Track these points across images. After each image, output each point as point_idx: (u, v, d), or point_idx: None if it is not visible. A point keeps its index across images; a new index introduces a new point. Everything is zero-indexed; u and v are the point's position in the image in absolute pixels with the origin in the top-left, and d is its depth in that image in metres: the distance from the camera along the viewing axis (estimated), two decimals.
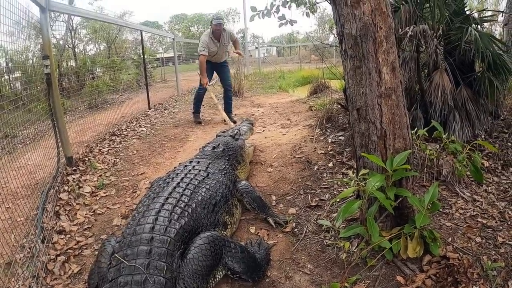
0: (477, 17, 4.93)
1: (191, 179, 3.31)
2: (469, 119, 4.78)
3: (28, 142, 4.73)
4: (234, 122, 7.33)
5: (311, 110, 7.99)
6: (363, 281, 2.73)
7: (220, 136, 4.88)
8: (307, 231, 3.45)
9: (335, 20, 2.72)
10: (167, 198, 2.94)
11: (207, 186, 3.31)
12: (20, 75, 5.55)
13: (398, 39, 4.79)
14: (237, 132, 4.85)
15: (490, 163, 4.55)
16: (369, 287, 2.69)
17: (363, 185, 2.57)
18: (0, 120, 3.63)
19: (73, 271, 3.14)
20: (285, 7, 5.19)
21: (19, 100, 4.69)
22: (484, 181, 4.17)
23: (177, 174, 3.47)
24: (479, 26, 4.83)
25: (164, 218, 2.67)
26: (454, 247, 3.01)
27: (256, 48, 33.78)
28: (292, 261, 3.08)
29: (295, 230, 3.49)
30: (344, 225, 3.34)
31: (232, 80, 11.38)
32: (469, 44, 4.61)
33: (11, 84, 5.64)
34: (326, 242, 3.24)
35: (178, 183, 3.22)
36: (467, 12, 5.00)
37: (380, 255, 2.78)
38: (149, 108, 9.70)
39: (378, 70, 2.56)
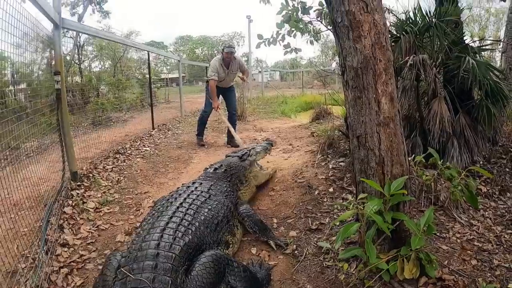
0: (475, 46, 5.04)
1: (194, 200, 3.42)
2: (468, 146, 4.87)
3: (32, 155, 4.83)
4: (237, 146, 7.43)
5: (313, 136, 8.09)
6: None
7: (229, 156, 5.00)
8: (307, 253, 3.52)
9: (338, 52, 2.88)
10: (171, 217, 3.03)
11: (209, 207, 3.42)
12: (25, 87, 5.66)
13: (399, 68, 4.96)
14: (246, 153, 4.94)
15: (488, 188, 4.61)
16: None
17: (362, 208, 2.67)
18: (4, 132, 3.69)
19: (75, 283, 3.21)
20: (290, 36, 5.37)
21: (23, 113, 4.79)
22: (481, 206, 4.25)
23: (180, 194, 3.59)
24: (477, 55, 4.96)
25: (169, 235, 2.77)
26: (450, 269, 3.08)
27: (260, 72, 34.15)
28: (292, 282, 3.15)
29: (296, 252, 3.56)
30: (343, 248, 3.41)
31: None
32: (467, 73, 4.71)
33: (16, 97, 5.74)
34: (326, 264, 3.31)
35: (181, 203, 3.32)
36: (466, 41, 5.15)
37: (377, 276, 2.85)
38: (153, 128, 9.83)
39: (378, 100, 2.69)
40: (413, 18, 4.99)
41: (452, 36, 4.91)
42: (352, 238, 3.44)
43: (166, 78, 22.95)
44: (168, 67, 36.59)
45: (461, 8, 5.32)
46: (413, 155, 3.61)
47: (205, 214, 3.28)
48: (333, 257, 3.36)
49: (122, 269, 2.45)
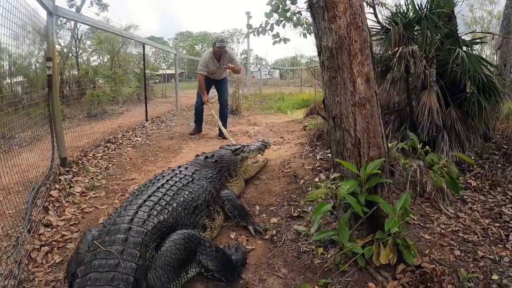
0: (467, 39, 5.02)
1: (176, 182, 3.45)
2: (459, 140, 4.84)
3: (24, 144, 4.86)
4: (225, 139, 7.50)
5: (305, 129, 8.10)
6: (334, 286, 2.79)
7: (222, 148, 5.01)
8: (286, 239, 3.52)
9: (315, 33, 2.88)
10: (150, 196, 3.07)
11: (190, 190, 3.45)
12: (22, 79, 5.71)
13: (388, 59, 4.95)
14: (239, 148, 4.94)
15: (478, 183, 4.61)
16: None
17: (334, 188, 2.66)
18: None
19: (55, 261, 3.24)
20: (279, 26, 5.38)
21: (19, 104, 4.83)
22: (470, 200, 4.25)
23: (163, 176, 3.63)
24: (469, 48, 4.95)
25: (144, 212, 2.80)
26: (431, 258, 3.06)
27: (259, 69, 34.14)
28: (267, 266, 3.14)
29: (274, 238, 3.56)
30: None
31: (230, 99, 11.61)
32: (458, 66, 4.72)
33: (12, 88, 5.81)
34: (303, 249, 3.30)
35: (163, 184, 3.36)
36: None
37: (352, 261, 2.85)
38: (147, 120, 9.87)
39: (353, 80, 2.69)
40: (405, 10, 4.99)
41: (445, 30, 4.89)
42: (332, 226, 3.43)
43: (165, 74, 22.94)
44: (167, 63, 36.59)
45: (454, 1, 5.27)
46: (396, 142, 3.58)
47: (185, 196, 3.30)
48: (310, 242, 3.35)
49: (95, 242, 2.48)
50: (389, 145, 3.12)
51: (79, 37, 16.85)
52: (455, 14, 5.32)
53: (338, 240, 2.90)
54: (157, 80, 20.12)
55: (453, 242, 3.39)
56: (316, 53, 3.02)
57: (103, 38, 17.01)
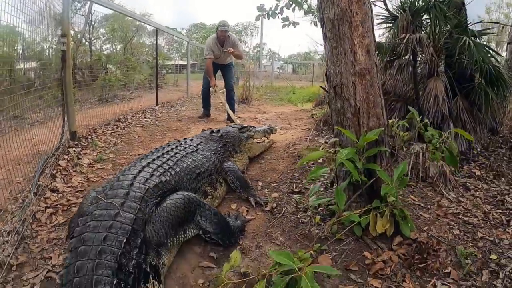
0: (475, 30, 5.01)
1: (180, 150, 3.59)
2: (465, 130, 4.69)
3: (35, 124, 5.02)
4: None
5: (313, 117, 8.12)
6: (330, 253, 2.85)
7: (229, 126, 5.11)
8: (286, 211, 3.58)
9: (318, 7, 2.94)
10: (154, 160, 3.19)
11: (194, 158, 3.57)
12: (35, 65, 5.90)
13: (395, 46, 4.97)
14: (246, 127, 5.05)
15: (482, 172, 4.61)
16: (335, 259, 2.80)
17: (331, 151, 2.71)
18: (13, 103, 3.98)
19: (58, 221, 3.36)
20: (289, 9, 5.42)
21: (32, 87, 5.02)
22: (473, 187, 4.26)
23: (169, 145, 3.77)
24: (477, 38, 4.92)
25: (147, 173, 2.91)
26: (428, 234, 3.10)
27: (271, 63, 34.08)
28: (265, 234, 3.22)
29: (274, 210, 3.63)
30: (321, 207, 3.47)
31: (241, 89, 11.65)
32: (466, 56, 4.73)
33: (26, 72, 6.00)
34: (301, 221, 3.37)
35: (168, 151, 3.49)
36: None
37: (349, 230, 2.90)
38: (157, 104, 10.00)
39: (353, 51, 2.74)
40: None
41: (455, 20, 4.91)
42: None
43: (177, 64, 23.05)
44: (180, 53, 36.66)
45: None
46: (397, 119, 3.60)
47: (188, 163, 3.41)
48: (309, 215, 3.40)
49: (98, 195, 2.58)
50: (390, 121, 3.16)
51: (93, 23, 17.00)
52: (465, 5, 5.34)
53: (335, 209, 2.94)
54: (170, 70, 20.22)
55: (452, 223, 3.41)
56: None
57: (117, 26, 17.15)
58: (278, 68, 39.66)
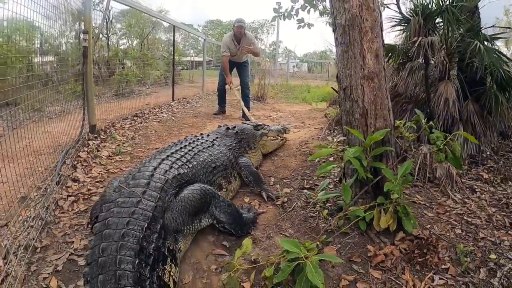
0: (487, 34, 5.06)
1: (197, 145, 3.81)
2: (475, 134, 4.87)
3: (53, 117, 5.24)
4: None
5: (326, 117, 8.16)
6: (335, 245, 3.01)
7: (244, 123, 5.30)
8: (296, 206, 3.75)
9: (331, 12, 3.11)
10: (172, 153, 3.41)
11: (210, 153, 3.77)
12: (53, 59, 6.10)
13: (407, 49, 5.06)
14: (261, 124, 5.21)
15: (490, 176, 4.65)
16: (340, 251, 2.96)
17: (339, 150, 2.87)
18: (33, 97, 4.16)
19: (80, 209, 3.59)
20: (304, 11, 5.57)
21: (50, 82, 5.16)
22: (479, 190, 4.32)
23: (186, 139, 4.00)
24: (489, 43, 4.99)
25: (166, 165, 3.14)
26: (431, 232, 3.22)
27: (287, 61, 34.12)
28: (276, 227, 3.40)
29: (285, 204, 3.80)
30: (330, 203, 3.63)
31: (256, 86, 11.80)
32: (477, 59, 4.76)
33: (43, 67, 6.21)
34: (310, 215, 3.54)
35: (185, 145, 3.71)
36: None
37: (354, 225, 3.06)
38: (173, 100, 10.25)
39: (363, 55, 2.89)
40: (427, 2, 5.06)
41: (467, 25, 4.97)
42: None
43: (193, 61, 23.29)
44: (196, 50, 36.92)
45: None
46: (405, 121, 3.73)
47: (204, 157, 3.63)
48: (318, 210, 3.56)
49: (120, 184, 2.82)
50: (398, 122, 3.29)
51: (110, 19, 17.27)
52: (478, 8, 5.39)
53: (343, 204, 3.10)
54: (185, 66, 20.45)
55: (455, 223, 3.51)
56: None
57: (134, 22, 17.37)
58: (293, 66, 39.66)
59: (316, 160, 4.83)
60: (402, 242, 3.00)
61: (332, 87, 4.53)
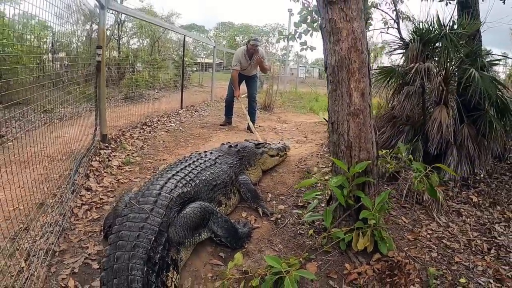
0: (485, 60, 5.21)
1: (200, 163, 4.18)
2: (469, 157, 5.09)
3: (64, 119, 5.35)
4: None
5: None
6: (317, 262, 3.36)
7: (247, 141, 5.63)
8: (288, 223, 4.10)
9: (323, 52, 3.44)
10: (177, 172, 3.81)
11: (211, 171, 4.15)
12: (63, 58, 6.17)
13: (404, 73, 5.28)
14: (263, 143, 5.54)
15: (479, 199, 4.83)
16: (321, 267, 3.30)
17: (323, 179, 3.22)
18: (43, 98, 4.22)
19: (93, 217, 3.97)
20: (307, 35, 5.88)
21: (60, 83, 5.07)
22: (466, 213, 4.52)
23: (191, 157, 4.37)
24: (485, 69, 5.11)
25: (172, 183, 3.54)
26: (406, 254, 3.50)
27: (297, 67, 34.13)
28: (267, 241, 3.75)
29: (278, 221, 4.15)
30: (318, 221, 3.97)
31: (264, 95, 12.07)
32: (474, 87, 4.89)
33: (54, 67, 6.19)
34: (299, 232, 3.89)
35: (190, 164, 4.09)
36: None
37: (336, 244, 3.41)
38: (181, 108, 10.63)
39: (349, 94, 3.21)
40: (428, 27, 5.23)
41: (467, 50, 5.15)
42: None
43: (203, 63, 23.48)
44: (206, 52, 37.12)
45: (481, 22, 5.54)
46: (392, 150, 4.03)
47: (206, 175, 4.01)
48: (307, 228, 3.92)
49: (131, 201, 3.21)
50: (383, 152, 3.63)
51: (122, 21, 17.58)
52: (480, 32, 5.59)
53: (325, 223, 3.43)
54: (195, 69, 20.69)
55: (433, 246, 3.75)
56: None
57: (145, 23, 17.55)
58: (304, 73, 39.61)
59: (312, 178, 5.11)
60: (377, 263, 3.28)
61: (324, 118, 4.79)
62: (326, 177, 3.43)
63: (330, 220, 3.19)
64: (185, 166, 3.98)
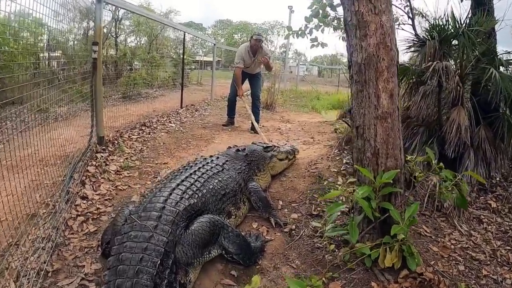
0: (503, 59, 5.00)
1: (207, 170, 3.79)
2: (485, 160, 4.87)
3: (60, 119, 5.12)
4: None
5: (336, 132, 8.15)
6: (340, 281, 3.03)
7: (254, 144, 5.27)
8: (303, 234, 3.77)
9: (347, 48, 3.11)
10: (182, 181, 3.42)
11: (220, 179, 3.77)
12: (59, 55, 5.96)
13: (421, 72, 5.02)
14: (271, 146, 5.19)
15: (498, 204, 4.65)
16: (345, 286, 2.98)
17: (350, 191, 2.89)
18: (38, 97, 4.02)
19: (89, 230, 3.60)
20: (318, 30, 5.57)
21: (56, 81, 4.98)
22: (486, 220, 4.32)
23: (196, 164, 3.97)
24: (504, 68, 4.96)
25: (177, 195, 3.16)
26: (434, 269, 3.21)
27: (297, 65, 34.00)
28: (283, 256, 3.42)
29: (293, 232, 3.82)
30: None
31: (266, 94, 11.72)
32: (492, 85, 4.71)
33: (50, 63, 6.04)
34: (317, 245, 3.55)
35: (195, 171, 3.70)
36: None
37: (360, 260, 3.07)
38: (181, 107, 10.24)
39: (377, 95, 2.90)
40: (444, 24, 5.01)
41: (483, 47, 4.91)
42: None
43: (201, 61, 23.23)
44: (205, 50, 36.91)
45: (495, 19, 5.28)
46: (415, 155, 3.74)
47: (214, 184, 3.64)
48: (325, 240, 3.58)
49: (132, 216, 2.85)
50: (409, 157, 3.31)
51: (120, 18, 17.25)
52: (495, 30, 5.34)
53: (349, 239, 3.11)
54: (193, 67, 20.39)
55: (459, 258, 3.52)
56: None
57: (143, 20, 17.27)
58: (304, 71, 39.51)
59: (324, 183, 4.84)
60: (406, 280, 2.99)
61: (345, 121, 4.55)
62: (350, 189, 3.08)
63: (356, 236, 2.86)
64: (190, 174, 3.61)
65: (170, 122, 8.42)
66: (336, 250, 3.35)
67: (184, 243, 2.81)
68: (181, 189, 3.26)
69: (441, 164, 3.08)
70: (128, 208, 3.19)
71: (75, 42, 6.73)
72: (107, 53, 13.10)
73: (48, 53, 5.57)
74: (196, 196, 3.30)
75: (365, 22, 2.84)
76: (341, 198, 4.26)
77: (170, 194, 3.15)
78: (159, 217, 2.81)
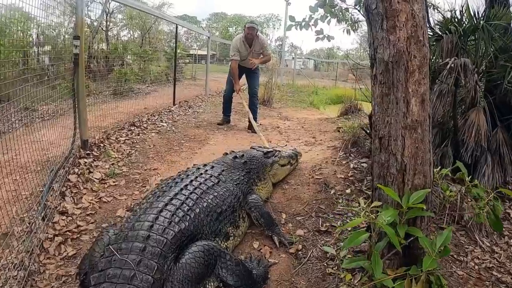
0: None
1: (200, 184, 3.31)
2: (502, 164, 4.51)
3: (46, 118, 4.79)
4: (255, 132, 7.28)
5: (339, 131, 7.72)
6: None
7: (253, 148, 4.80)
8: (311, 256, 3.33)
9: (369, 42, 2.61)
10: (171, 199, 2.94)
11: (215, 194, 3.30)
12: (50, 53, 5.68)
13: (437, 70, 4.60)
14: (271, 151, 4.71)
15: None
16: None
17: (374, 217, 2.43)
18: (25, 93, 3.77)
19: (68, 253, 3.17)
20: (324, 22, 5.13)
21: (45, 76, 4.80)
22: (507, 233, 3.96)
23: (188, 175, 3.48)
24: None
25: (165, 218, 2.68)
26: None
27: (293, 58, 33.67)
28: (290, 284, 2.98)
29: (299, 253, 3.38)
30: (349, 256, 3.19)
31: (262, 89, 11.31)
32: (511, 84, 4.37)
33: (39, 60, 5.75)
34: (328, 271, 3.11)
35: (186, 185, 3.22)
36: None
37: None
38: (174, 104, 9.74)
39: (407, 101, 2.43)
40: (459, 18, 4.64)
41: (500, 42, 4.54)
42: (362, 246, 3.19)
43: (195, 55, 22.78)
44: (199, 43, 36.46)
45: None
46: (440, 167, 3.30)
47: (209, 201, 3.17)
48: (337, 264, 3.15)
49: (111, 247, 2.38)
50: (435, 170, 2.87)
51: (111, 11, 16.75)
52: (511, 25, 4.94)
53: (368, 268, 2.67)
54: (187, 61, 19.97)
55: (486, 281, 3.16)
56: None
57: (135, 13, 16.86)
58: (300, 64, 39.29)
59: (331, 192, 4.40)
60: None
61: (363, 128, 4.12)
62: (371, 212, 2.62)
63: (380, 269, 2.39)
64: (181, 189, 3.12)
65: (161, 121, 7.90)
66: (352, 278, 2.89)
67: (174, 280, 2.34)
68: (169, 210, 2.78)
69: (476, 181, 2.64)
70: (108, 234, 2.73)
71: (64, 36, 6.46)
72: (98, 48, 12.70)
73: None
74: (188, 218, 2.82)
75: (394, 11, 2.36)
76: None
77: (157, 217, 2.67)
78: (143, 250, 2.34)
